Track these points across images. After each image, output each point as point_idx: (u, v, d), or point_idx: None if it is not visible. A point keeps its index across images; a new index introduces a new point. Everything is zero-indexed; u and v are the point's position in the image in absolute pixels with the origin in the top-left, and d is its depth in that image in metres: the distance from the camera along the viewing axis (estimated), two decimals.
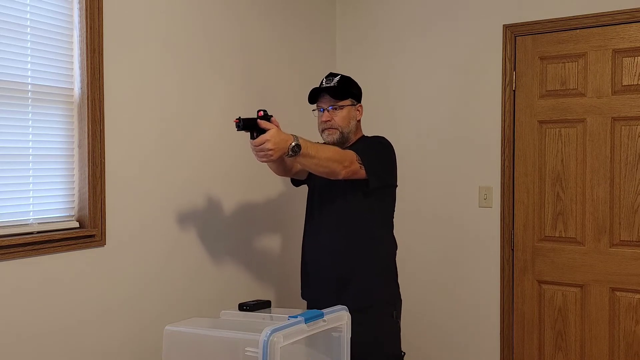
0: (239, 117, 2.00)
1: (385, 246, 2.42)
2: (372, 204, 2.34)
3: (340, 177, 2.17)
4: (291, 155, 2.02)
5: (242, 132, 2.05)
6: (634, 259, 2.90)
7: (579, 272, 3.03)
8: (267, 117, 2.09)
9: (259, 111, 2.07)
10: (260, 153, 2.00)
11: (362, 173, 2.22)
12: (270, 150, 1.97)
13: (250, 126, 2.02)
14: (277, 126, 2.05)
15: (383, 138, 2.42)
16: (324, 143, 2.44)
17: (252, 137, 2.03)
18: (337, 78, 2.38)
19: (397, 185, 2.46)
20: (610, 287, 2.95)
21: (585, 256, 3.01)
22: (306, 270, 2.47)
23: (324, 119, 2.37)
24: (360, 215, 2.34)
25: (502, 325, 3.21)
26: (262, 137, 1.98)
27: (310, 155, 2.05)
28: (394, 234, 2.47)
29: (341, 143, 2.37)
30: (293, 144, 2.00)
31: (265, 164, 2.29)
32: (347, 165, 2.15)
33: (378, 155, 2.32)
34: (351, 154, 2.19)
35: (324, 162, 2.10)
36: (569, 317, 3.05)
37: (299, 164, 2.14)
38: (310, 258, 2.45)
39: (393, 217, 2.45)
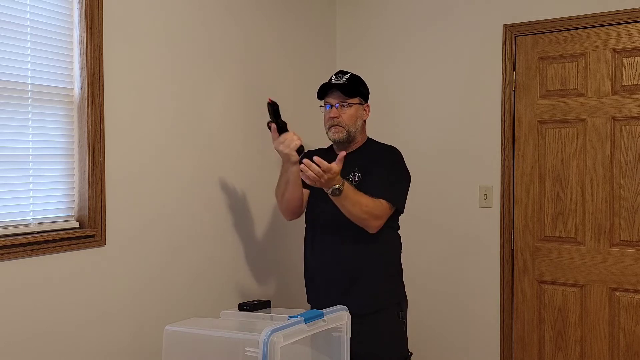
0: (271, 100, 2.23)
1: (391, 247, 2.41)
2: None
3: (371, 231, 2.25)
4: (335, 193, 2.09)
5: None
6: (634, 259, 2.90)
7: (579, 272, 3.03)
8: (283, 125, 2.26)
9: (272, 104, 2.25)
10: (320, 176, 2.04)
11: (389, 214, 2.29)
12: (333, 174, 2.04)
13: (275, 117, 2.24)
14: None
15: (397, 151, 2.42)
16: (331, 143, 2.44)
17: (279, 131, 2.24)
18: (347, 76, 2.38)
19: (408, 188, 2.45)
20: (610, 287, 2.95)
21: (585, 256, 3.01)
22: (311, 274, 2.46)
23: (332, 114, 2.35)
24: None
25: (502, 325, 3.21)
26: (333, 165, 2.05)
27: (348, 197, 2.13)
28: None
29: (347, 142, 2.37)
30: (337, 184, 2.09)
31: (278, 195, 2.46)
32: (378, 221, 2.24)
33: (400, 181, 2.35)
34: (385, 206, 2.25)
35: (359, 211, 2.17)
36: (569, 317, 3.05)
37: (335, 200, 2.14)
38: (314, 261, 2.43)
39: (398, 219, 2.45)
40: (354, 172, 2.32)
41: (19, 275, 1.95)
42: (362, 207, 2.17)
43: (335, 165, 2.04)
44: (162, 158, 2.47)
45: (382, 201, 2.23)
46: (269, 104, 2.24)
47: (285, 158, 2.28)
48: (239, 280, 2.87)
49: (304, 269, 2.49)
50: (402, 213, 2.42)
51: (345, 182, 2.12)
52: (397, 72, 3.48)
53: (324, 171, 2.02)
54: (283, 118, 2.28)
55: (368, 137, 2.47)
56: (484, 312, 3.25)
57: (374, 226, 2.24)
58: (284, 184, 2.37)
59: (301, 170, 2.07)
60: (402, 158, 2.40)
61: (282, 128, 2.25)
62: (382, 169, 2.31)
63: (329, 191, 2.09)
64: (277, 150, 2.28)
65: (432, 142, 3.38)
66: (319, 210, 2.41)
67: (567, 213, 3.04)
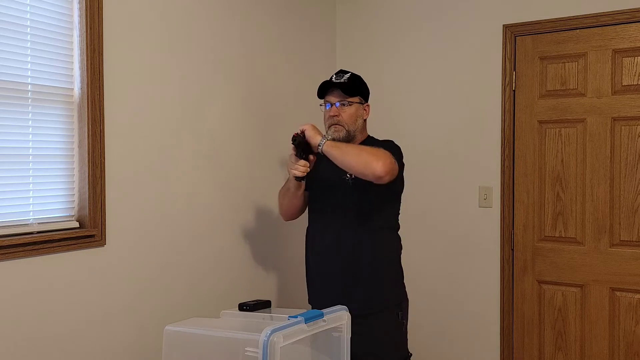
0: (298, 134, 2.23)
1: (391, 247, 2.41)
2: (378, 205, 2.34)
3: (378, 173, 2.11)
4: (320, 144, 2.15)
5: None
6: (634, 259, 2.90)
7: (579, 272, 3.03)
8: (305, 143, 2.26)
9: (302, 131, 2.23)
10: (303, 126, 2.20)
11: (397, 169, 2.22)
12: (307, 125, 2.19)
13: (303, 146, 2.23)
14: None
15: (393, 142, 2.40)
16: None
17: (297, 155, 2.25)
18: (348, 75, 2.39)
19: (403, 189, 2.45)
20: (610, 287, 2.95)
21: (585, 256, 3.01)
22: (311, 275, 2.46)
23: (331, 113, 2.36)
24: (366, 216, 2.33)
25: (502, 325, 3.21)
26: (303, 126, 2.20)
27: (341, 147, 2.17)
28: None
29: (347, 141, 2.37)
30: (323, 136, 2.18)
31: (279, 201, 2.54)
32: (382, 159, 2.13)
33: (397, 154, 2.32)
34: (386, 152, 2.19)
35: (360, 152, 2.17)
36: (569, 317, 3.05)
37: (330, 156, 2.17)
38: (315, 261, 2.43)
39: (398, 219, 2.45)
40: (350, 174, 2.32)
41: (19, 276, 1.95)
42: (358, 151, 2.19)
43: (308, 126, 2.22)
44: (162, 157, 2.47)
45: (381, 149, 2.21)
46: (294, 138, 2.24)
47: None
48: (239, 280, 2.87)
49: (306, 270, 2.49)
50: (399, 205, 2.42)
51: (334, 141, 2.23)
52: (397, 72, 3.48)
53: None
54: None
55: (368, 135, 2.47)
56: (484, 312, 3.25)
57: (379, 169, 2.10)
58: (286, 190, 2.45)
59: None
60: (400, 149, 2.39)
61: (302, 153, 2.27)
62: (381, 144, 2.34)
63: (319, 149, 2.17)
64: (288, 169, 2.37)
65: (432, 142, 3.38)
66: (319, 211, 2.42)
67: (567, 213, 3.04)
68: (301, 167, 2.24)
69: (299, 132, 2.22)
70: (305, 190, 2.45)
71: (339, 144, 2.20)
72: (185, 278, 2.58)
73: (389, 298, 2.36)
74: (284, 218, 2.57)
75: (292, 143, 2.22)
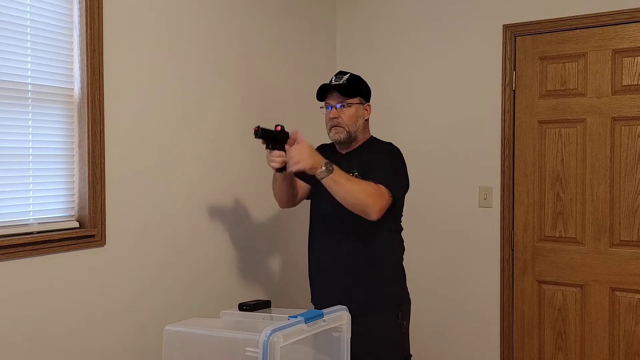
0: (258, 126, 2.10)
1: (392, 248, 2.40)
2: None
3: (372, 217, 2.14)
4: (324, 176, 2.07)
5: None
6: (634, 259, 2.90)
7: (579, 272, 3.03)
8: (284, 133, 2.18)
9: (276, 126, 2.17)
10: (295, 159, 2.08)
11: (389, 203, 2.21)
12: (300, 159, 2.06)
13: (268, 137, 2.15)
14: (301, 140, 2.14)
15: (396, 148, 2.40)
16: (332, 142, 2.44)
17: (267, 147, 2.17)
18: (347, 76, 2.38)
19: (407, 188, 2.45)
20: (610, 287, 2.95)
21: (585, 256, 3.01)
22: (313, 275, 2.46)
23: (331, 115, 2.35)
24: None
25: (502, 325, 3.21)
26: (300, 145, 2.09)
27: (341, 182, 2.10)
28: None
29: (348, 142, 2.37)
30: (324, 164, 2.08)
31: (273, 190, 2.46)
32: (378, 203, 2.13)
33: (399, 173, 2.32)
34: (383, 190, 2.16)
35: (356, 192, 2.11)
36: (569, 317, 3.05)
37: (328, 187, 2.12)
38: (316, 261, 2.43)
39: (401, 220, 2.44)
40: (352, 172, 2.32)
41: (19, 276, 1.95)
42: (356, 189, 2.12)
43: (306, 145, 2.11)
44: (162, 157, 2.47)
45: (380, 185, 2.18)
46: (255, 132, 2.12)
47: None
48: (239, 280, 2.87)
49: (308, 269, 2.49)
50: (401, 207, 2.41)
51: (337, 169, 2.10)
52: (397, 72, 3.48)
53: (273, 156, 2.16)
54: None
55: (371, 136, 2.47)
56: (484, 312, 3.25)
57: (373, 209, 2.11)
58: (274, 181, 2.46)
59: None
60: (399, 151, 2.40)
61: (275, 144, 2.20)
62: (381, 161, 2.31)
63: (318, 177, 2.10)
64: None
65: (432, 142, 3.38)
66: (320, 211, 2.42)
67: (567, 213, 3.04)
68: (277, 159, 2.19)
69: (256, 127, 2.11)
70: (307, 183, 2.45)
71: (337, 178, 2.10)
72: (185, 278, 2.58)
73: (388, 298, 2.36)
74: (280, 205, 2.57)
75: (255, 137, 2.12)
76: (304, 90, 3.16)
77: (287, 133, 2.19)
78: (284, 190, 2.45)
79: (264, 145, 2.18)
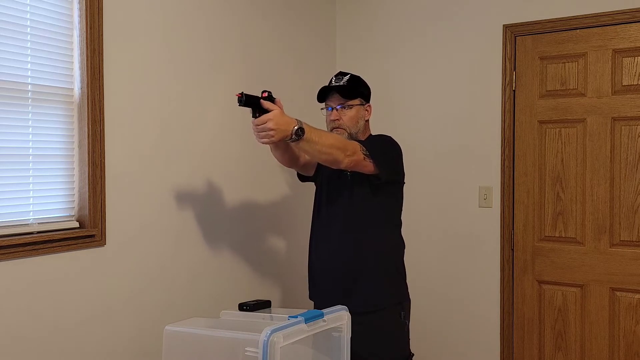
0: (242, 92, 1.96)
1: (393, 246, 2.41)
2: (380, 202, 2.33)
3: (342, 166, 2.12)
4: (294, 140, 1.98)
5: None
6: (634, 259, 2.90)
7: (579, 272, 3.03)
8: (271, 98, 2.04)
9: (263, 92, 2.03)
10: (262, 133, 1.97)
11: (367, 165, 2.18)
12: (272, 130, 1.94)
13: (253, 104, 1.99)
14: (281, 108, 2.02)
15: (388, 136, 2.41)
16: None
17: (254, 116, 2.00)
18: (347, 77, 2.38)
19: (404, 183, 2.45)
20: (610, 287, 2.95)
21: (585, 256, 3.01)
22: (313, 271, 2.47)
23: (332, 117, 2.36)
24: (369, 214, 2.33)
25: (502, 326, 3.21)
26: (265, 116, 1.95)
27: (313, 140, 2.01)
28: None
29: None
30: (296, 127, 1.96)
31: (272, 154, 2.37)
32: (349, 154, 2.10)
33: (385, 149, 2.31)
34: (355, 144, 2.16)
35: (327, 148, 2.05)
36: (569, 317, 3.05)
37: (301, 150, 2.10)
38: (317, 258, 2.44)
39: (401, 215, 2.45)
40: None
41: (19, 275, 1.95)
42: (328, 139, 2.06)
43: (271, 115, 1.94)
44: (162, 158, 2.47)
45: (354, 142, 2.17)
46: (239, 100, 1.96)
47: None
48: (239, 280, 2.87)
49: (308, 268, 2.50)
50: (398, 182, 2.39)
51: (306, 128, 1.99)
52: (397, 72, 3.48)
53: (258, 125, 1.96)
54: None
55: (371, 134, 2.48)
56: (484, 312, 3.25)
57: (340, 159, 2.07)
58: (271, 149, 2.39)
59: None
60: (393, 139, 2.38)
61: (259, 111, 2.02)
62: (367, 141, 2.31)
63: (292, 138, 1.97)
64: None
65: (432, 142, 3.38)
66: (322, 210, 2.42)
67: (567, 213, 3.04)
68: (260, 132, 2.00)
69: (239, 93, 1.96)
70: (310, 180, 2.44)
71: (309, 137, 2.00)
72: (185, 278, 2.58)
73: (390, 297, 2.36)
74: (285, 165, 2.49)
75: (240, 105, 1.96)
76: (303, 90, 3.16)
77: (274, 99, 2.05)
78: (279, 156, 2.39)
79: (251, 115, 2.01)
